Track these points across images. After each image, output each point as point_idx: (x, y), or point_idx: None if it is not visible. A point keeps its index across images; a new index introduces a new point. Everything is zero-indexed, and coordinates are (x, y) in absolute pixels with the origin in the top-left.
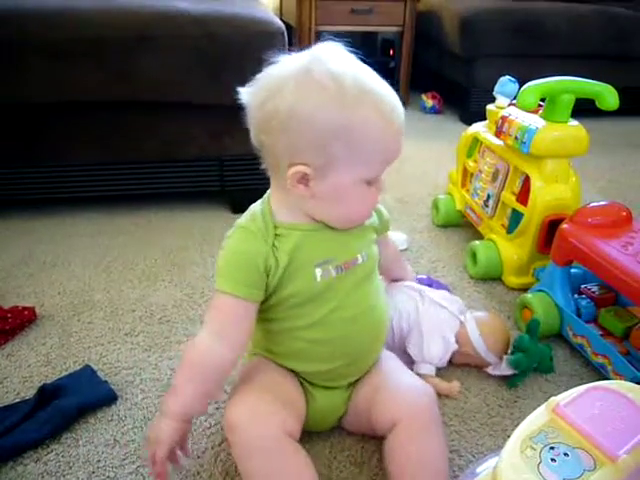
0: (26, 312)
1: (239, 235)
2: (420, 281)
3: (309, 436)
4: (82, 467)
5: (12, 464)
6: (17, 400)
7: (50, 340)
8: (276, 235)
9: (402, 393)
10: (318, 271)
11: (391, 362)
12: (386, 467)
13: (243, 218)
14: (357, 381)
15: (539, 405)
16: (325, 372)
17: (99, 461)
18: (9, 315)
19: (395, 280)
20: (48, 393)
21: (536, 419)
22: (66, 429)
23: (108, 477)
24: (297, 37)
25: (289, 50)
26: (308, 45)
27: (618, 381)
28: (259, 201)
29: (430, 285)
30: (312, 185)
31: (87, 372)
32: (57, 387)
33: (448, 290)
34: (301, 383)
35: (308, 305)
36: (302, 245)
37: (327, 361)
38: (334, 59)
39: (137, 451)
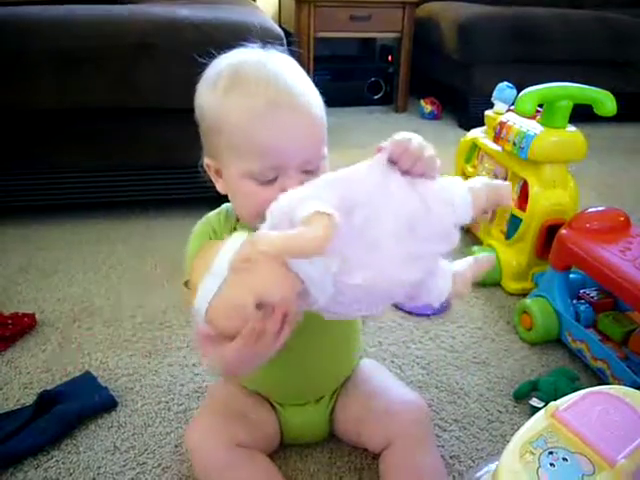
0: (26, 319)
1: (197, 228)
2: None
3: (308, 443)
4: (82, 473)
5: (12, 470)
6: (17, 406)
7: (50, 346)
8: (234, 229)
9: (395, 411)
10: None
11: (377, 374)
12: None
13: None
14: (340, 393)
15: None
16: (281, 390)
17: (99, 467)
18: (9, 321)
19: None
20: (48, 399)
21: (535, 424)
22: (66, 435)
23: None
24: (296, 44)
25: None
26: (307, 49)
27: (617, 386)
28: None
29: None
30: (222, 179)
31: (87, 378)
32: (57, 393)
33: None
34: (268, 400)
35: None
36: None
37: (280, 380)
38: (246, 54)
39: (137, 457)
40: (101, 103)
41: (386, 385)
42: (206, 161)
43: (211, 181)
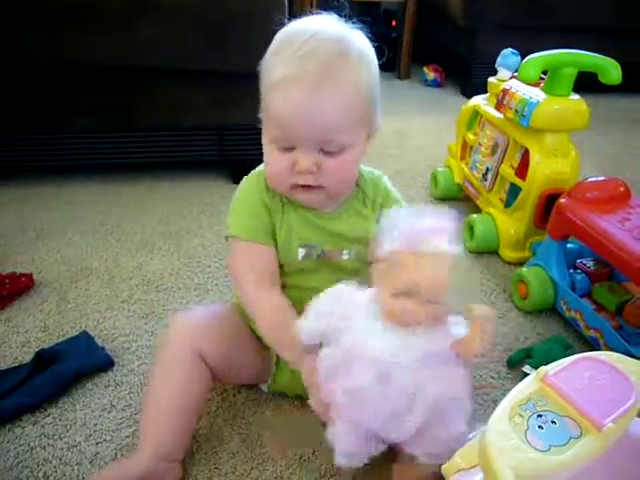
0: (24, 278)
1: (249, 182)
2: None
3: (301, 401)
4: (79, 430)
5: (10, 426)
6: (15, 365)
7: (47, 306)
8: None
9: None
10: (301, 250)
11: None
12: None
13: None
14: None
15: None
16: None
17: (96, 425)
18: (7, 281)
19: None
20: (45, 358)
21: (525, 388)
22: (63, 394)
23: (105, 440)
24: (297, 3)
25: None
26: (310, 11)
27: (607, 352)
28: None
29: None
30: None
31: (84, 338)
32: (54, 352)
33: None
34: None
35: (288, 274)
36: (294, 220)
37: None
38: (313, 21)
39: (133, 415)
40: (100, 61)
41: None
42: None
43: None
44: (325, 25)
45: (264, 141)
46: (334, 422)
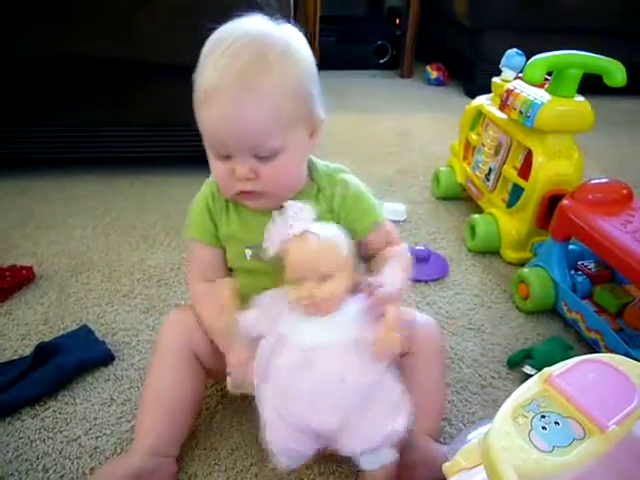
0: (24, 271)
1: (202, 189)
2: (419, 253)
3: None
4: (79, 424)
5: (10, 419)
6: (15, 357)
7: (48, 300)
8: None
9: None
10: (248, 251)
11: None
12: None
13: None
14: None
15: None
16: None
17: (96, 418)
18: (7, 274)
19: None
20: (46, 351)
21: (529, 389)
22: (63, 387)
23: (104, 434)
24: (302, 2)
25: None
26: (313, 10)
27: (610, 354)
28: None
29: (428, 257)
30: None
31: (84, 332)
32: (55, 346)
33: (446, 263)
34: None
35: (240, 276)
36: (237, 223)
37: None
38: (237, 25)
39: (133, 410)
40: (100, 55)
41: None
42: None
43: None
44: (247, 28)
45: (206, 148)
46: (264, 416)
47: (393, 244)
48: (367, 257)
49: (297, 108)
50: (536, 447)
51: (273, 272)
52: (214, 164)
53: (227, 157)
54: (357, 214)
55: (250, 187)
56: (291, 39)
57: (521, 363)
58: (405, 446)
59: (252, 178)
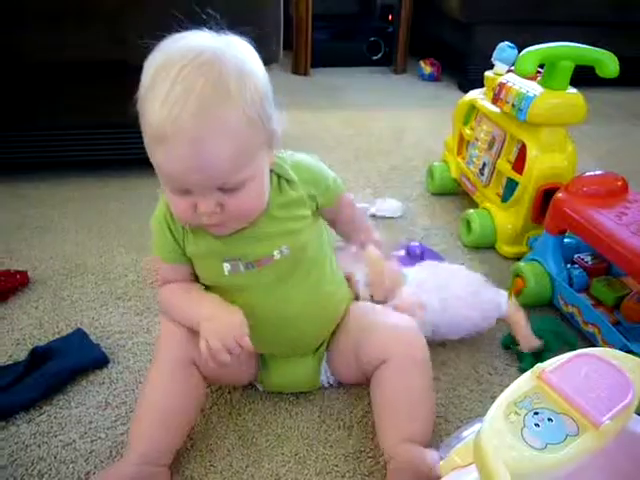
0: (19, 276)
1: (158, 208)
2: (413, 249)
3: (297, 399)
4: (74, 428)
5: (4, 424)
6: (9, 362)
7: (43, 303)
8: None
9: (393, 328)
10: (226, 265)
11: (370, 310)
12: (372, 399)
13: None
14: (331, 340)
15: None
16: (262, 348)
17: (91, 422)
18: (2, 278)
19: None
20: (40, 355)
21: (522, 385)
22: (58, 391)
23: (99, 438)
24: (294, 1)
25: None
26: (305, 8)
27: (604, 348)
28: None
29: (422, 253)
30: None
31: (79, 335)
32: (49, 349)
33: (440, 259)
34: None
35: (221, 294)
36: (205, 239)
37: (256, 343)
38: (182, 44)
39: (128, 413)
40: (93, 57)
41: (382, 312)
42: None
43: None
44: (193, 49)
45: (161, 181)
46: None
47: (351, 205)
48: (335, 222)
49: (260, 134)
50: (528, 444)
51: (253, 286)
52: (172, 198)
53: (187, 191)
54: (330, 185)
55: (216, 220)
56: (244, 56)
57: (514, 342)
58: (388, 456)
59: (217, 212)
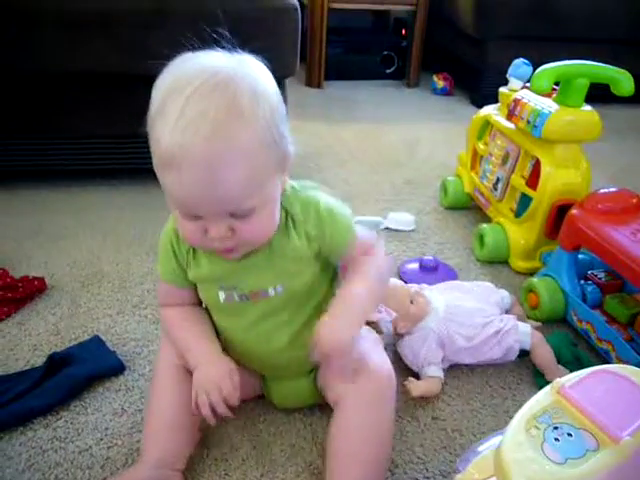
0: (36, 282)
1: (167, 225)
2: (426, 262)
3: (312, 410)
4: (90, 434)
5: (22, 429)
6: (27, 367)
7: (59, 310)
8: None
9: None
10: (221, 293)
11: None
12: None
13: None
14: None
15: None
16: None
17: (107, 428)
18: (20, 285)
19: None
20: (57, 361)
21: (541, 400)
22: (75, 397)
23: (116, 444)
24: (309, 14)
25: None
26: (320, 21)
27: (622, 365)
28: None
29: (436, 267)
30: None
31: (96, 342)
32: (66, 356)
33: (454, 272)
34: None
35: (217, 315)
36: (206, 266)
37: (241, 361)
38: (194, 65)
39: (144, 420)
40: (111, 69)
41: (362, 349)
42: None
43: None
44: (206, 69)
45: (168, 204)
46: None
47: (368, 253)
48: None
49: (273, 156)
50: (549, 459)
51: (248, 312)
52: (181, 222)
53: (196, 217)
54: (335, 233)
55: (227, 244)
56: (257, 76)
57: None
58: None
59: (228, 237)
